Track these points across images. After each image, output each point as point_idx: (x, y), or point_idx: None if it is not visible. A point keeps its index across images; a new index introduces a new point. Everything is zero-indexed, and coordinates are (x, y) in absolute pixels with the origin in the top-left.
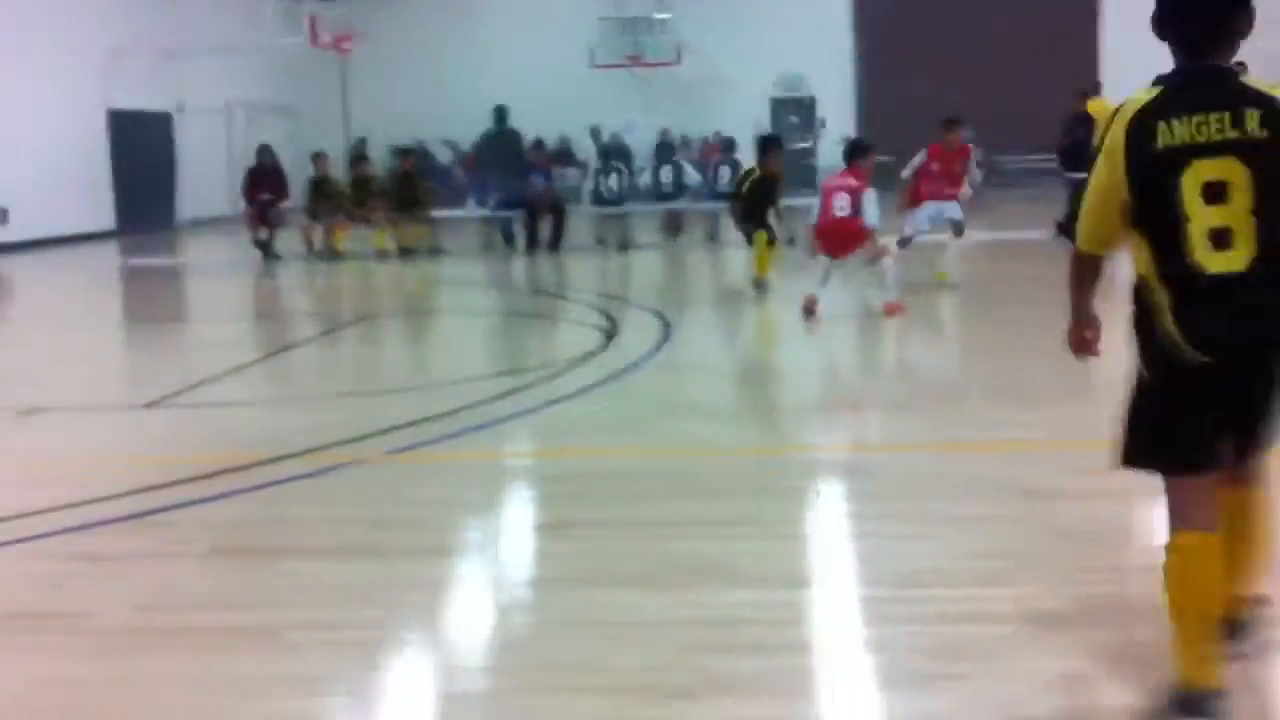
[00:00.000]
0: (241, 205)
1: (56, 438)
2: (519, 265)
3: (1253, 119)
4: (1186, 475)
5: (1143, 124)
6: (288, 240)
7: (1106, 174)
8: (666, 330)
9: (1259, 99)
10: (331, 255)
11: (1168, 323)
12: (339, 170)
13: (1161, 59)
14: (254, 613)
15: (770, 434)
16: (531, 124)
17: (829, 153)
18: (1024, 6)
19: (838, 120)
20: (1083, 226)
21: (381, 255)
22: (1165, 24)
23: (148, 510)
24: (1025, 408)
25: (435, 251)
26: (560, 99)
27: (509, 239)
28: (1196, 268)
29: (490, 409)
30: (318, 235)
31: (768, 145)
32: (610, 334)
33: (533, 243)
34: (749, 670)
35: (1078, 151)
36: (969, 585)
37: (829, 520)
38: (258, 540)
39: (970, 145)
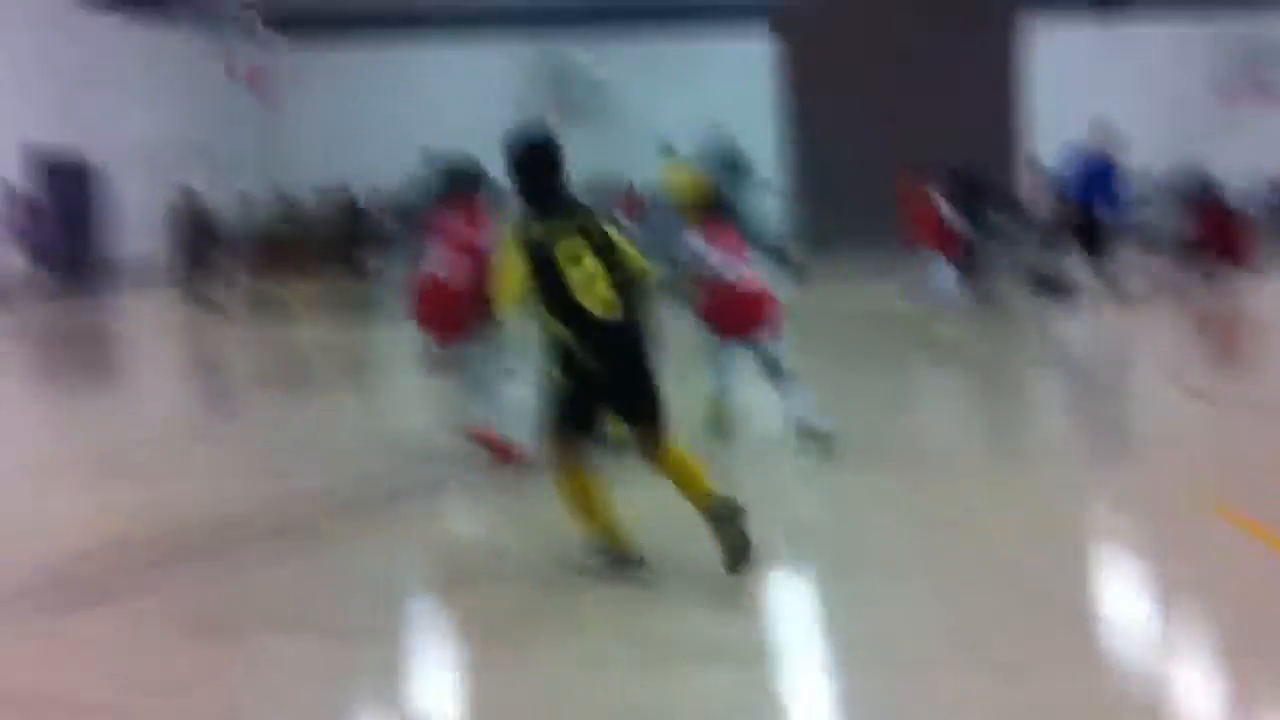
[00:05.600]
0: (164, 244)
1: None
2: None
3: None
4: (578, 437)
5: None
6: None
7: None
8: None
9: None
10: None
11: (577, 348)
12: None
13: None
14: (225, 692)
15: None
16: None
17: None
18: (942, 74)
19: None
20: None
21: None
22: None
23: (119, 580)
24: None
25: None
26: (486, 148)
27: None
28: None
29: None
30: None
31: None
32: None
33: None
34: None
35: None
36: None
37: None
38: (224, 616)
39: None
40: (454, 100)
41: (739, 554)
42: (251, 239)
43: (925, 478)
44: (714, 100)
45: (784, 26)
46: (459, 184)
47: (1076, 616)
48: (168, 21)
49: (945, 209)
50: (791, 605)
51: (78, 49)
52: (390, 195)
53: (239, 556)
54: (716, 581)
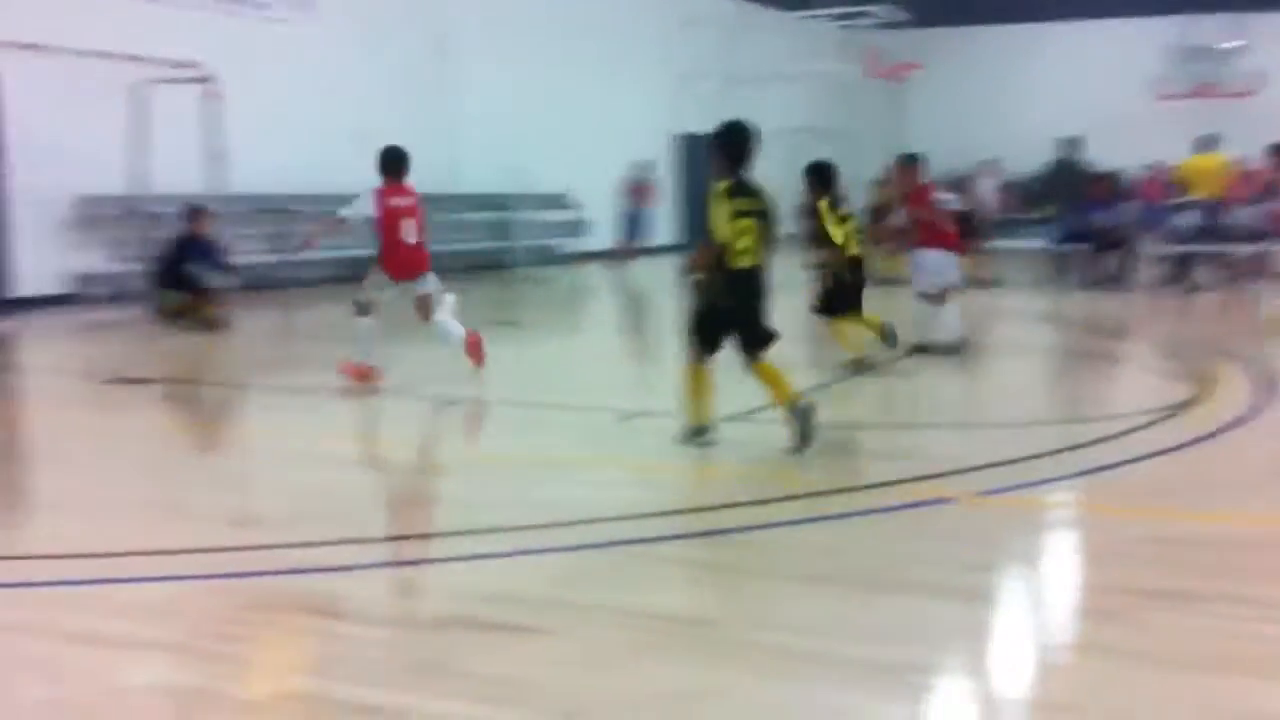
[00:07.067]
0: (798, 227)
1: (654, 443)
2: (1080, 301)
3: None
4: (714, 350)
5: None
6: None
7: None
8: (1270, 384)
9: (762, 191)
10: (886, 281)
11: (718, 288)
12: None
13: None
14: (862, 646)
15: None
16: (1089, 155)
17: None
18: None
19: None
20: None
21: None
22: (727, 151)
23: (745, 525)
24: None
25: (992, 283)
26: (1119, 130)
27: (1068, 273)
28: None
29: (1074, 457)
30: (874, 261)
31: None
32: (1198, 384)
33: (1095, 279)
34: None
35: None
36: None
37: None
38: (851, 570)
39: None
40: (1083, 78)
41: (805, 441)
42: (870, 217)
43: None
44: None
45: None
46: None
47: None
48: (811, 19)
49: None
50: None
51: (728, 47)
52: (1017, 177)
53: (846, 511)
54: None
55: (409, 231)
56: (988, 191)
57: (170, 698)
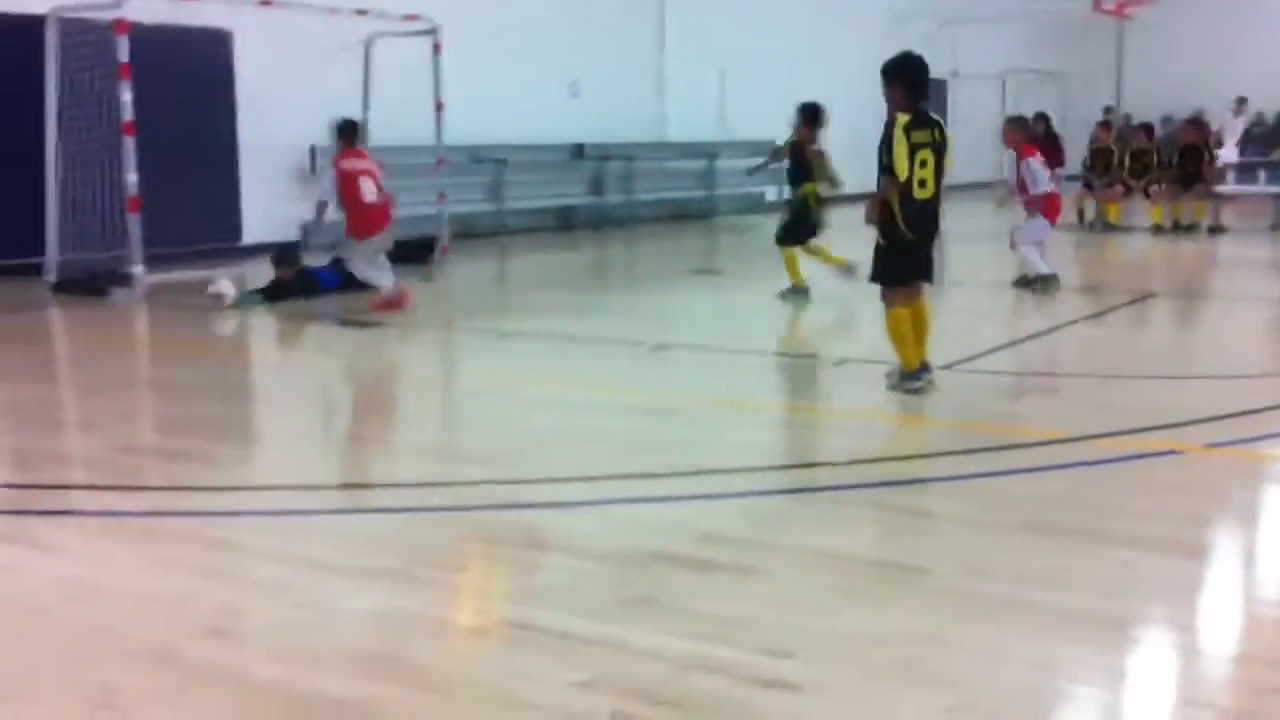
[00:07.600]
0: (1003, 174)
1: (859, 390)
2: None
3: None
4: (909, 284)
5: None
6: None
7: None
8: None
9: (938, 123)
10: (1104, 227)
11: (902, 221)
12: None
13: None
14: (1070, 596)
15: None
16: None
17: None
18: None
19: None
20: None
21: (1157, 230)
22: (906, 84)
23: (959, 474)
24: None
25: (1216, 229)
26: None
27: None
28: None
29: None
30: (1090, 206)
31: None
32: None
33: None
34: None
35: None
36: None
37: None
38: (1072, 520)
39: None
40: None
41: (893, 386)
42: (1100, 164)
43: None
44: None
45: None
46: None
47: None
48: None
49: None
50: None
51: None
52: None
53: (1066, 461)
54: None
55: (368, 191)
56: (1223, 132)
57: (391, 621)
